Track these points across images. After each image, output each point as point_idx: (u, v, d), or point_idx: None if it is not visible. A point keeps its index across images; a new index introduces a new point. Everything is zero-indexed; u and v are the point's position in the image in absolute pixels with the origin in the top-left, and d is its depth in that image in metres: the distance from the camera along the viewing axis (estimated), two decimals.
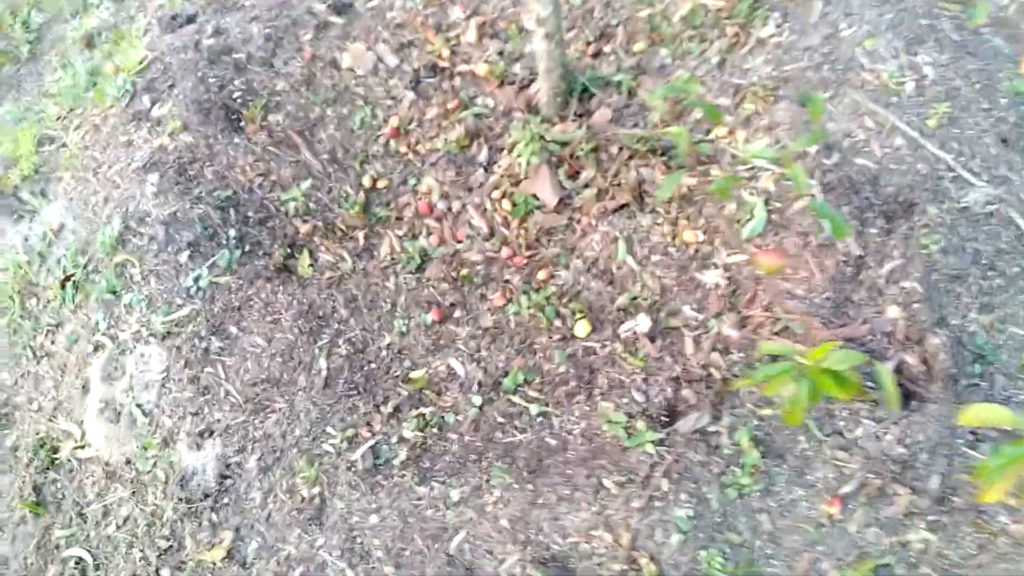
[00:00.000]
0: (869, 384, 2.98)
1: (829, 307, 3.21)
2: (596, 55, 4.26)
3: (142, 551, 3.19)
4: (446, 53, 4.38)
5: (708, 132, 3.86)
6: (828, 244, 3.31)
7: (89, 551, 3.25)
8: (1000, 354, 3.12)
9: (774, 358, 3.16)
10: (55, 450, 3.48)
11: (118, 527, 3.27)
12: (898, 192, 3.40)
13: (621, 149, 3.83)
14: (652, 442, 3.01)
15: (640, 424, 3.06)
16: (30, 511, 3.37)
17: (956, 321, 3.17)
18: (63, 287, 3.77)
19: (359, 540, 3.06)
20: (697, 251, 3.51)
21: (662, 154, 3.81)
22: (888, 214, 3.37)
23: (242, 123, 4.20)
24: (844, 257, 3.29)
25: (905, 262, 3.24)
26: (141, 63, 4.48)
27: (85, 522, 3.32)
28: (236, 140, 4.11)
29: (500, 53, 4.35)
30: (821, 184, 3.42)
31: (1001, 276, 3.25)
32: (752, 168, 3.65)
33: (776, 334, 3.19)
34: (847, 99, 3.68)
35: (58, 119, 4.58)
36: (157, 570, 3.13)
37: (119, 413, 3.40)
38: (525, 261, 3.65)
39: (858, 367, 2.06)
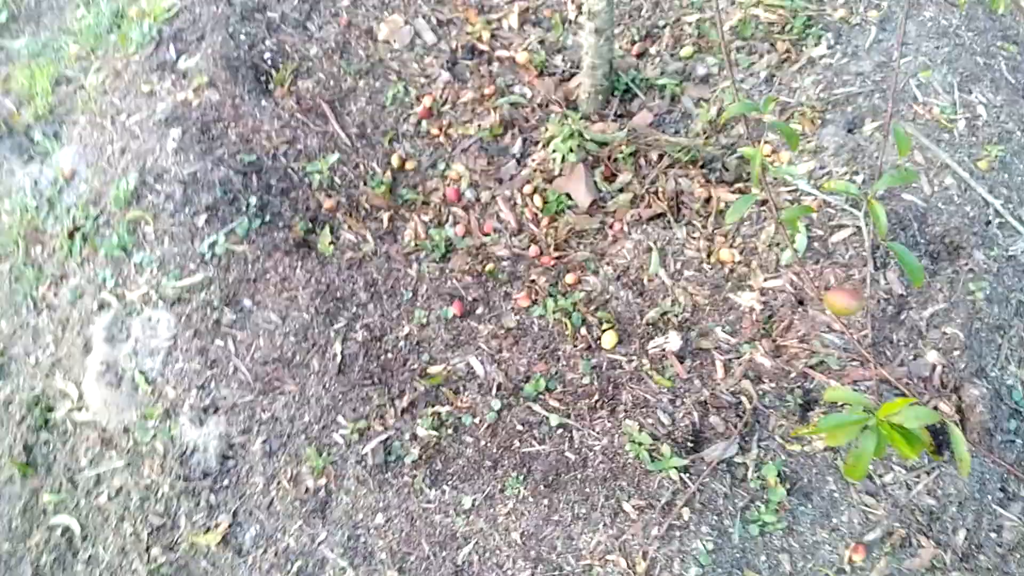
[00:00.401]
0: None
1: (867, 345, 3.03)
2: (641, 55, 4.03)
3: (133, 526, 2.95)
4: (486, 36, 4.14)
5: (752, 147, 3.65)
6: (871, 279, 3.12)
7: (78, 520, 3.01)
8: None
9: (803, 398, 2.99)
10: (50, 409, 3.22)
11: (110, 498, 3.02)
12: (945, 233, 3.21)
13: (661, 156, 3.62)
14: (676, 468, 2.82)
15: (665, 448, 2.86)
16: (19, 471, 3.11)
17: (995, 373, 2.99)
18: (71, 238, 3.50)
19: (363, 539, 2.85)
20: (733, 271, 3.31)
21: (703, 166, 3.60)
22: (933, 255, 3.19)
23: (271, 85, 3.93)
24: (886, 295, 3.11)
25: (948, 307, 3.06)
26: (170, 10, 4.18)
27: (76, 489, 3.07)
28: (263, 103, 3.84)
29: (541, 42, 4.11)
30: (866, 216, 3.23)
31: None
32: (795, 191, 3.46)
33: (811, 367, 3.01)
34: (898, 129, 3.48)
35: (77, 59, 4.27)
36: (148, 548, 2.90)
37: (120, 378, 3.15)
38: (553, 262, 3.43)
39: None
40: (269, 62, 3.98)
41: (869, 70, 3.66)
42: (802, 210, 2.06)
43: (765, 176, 3.44)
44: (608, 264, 3.42)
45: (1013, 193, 3.33)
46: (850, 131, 3.54)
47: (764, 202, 3.43)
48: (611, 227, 3.52)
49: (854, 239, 3.23)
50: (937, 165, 3.36)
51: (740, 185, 3.52)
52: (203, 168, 3.55)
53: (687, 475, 2.83)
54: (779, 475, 2.83)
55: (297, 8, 4.15)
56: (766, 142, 3.64)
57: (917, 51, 3.66)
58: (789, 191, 3.46)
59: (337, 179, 3.67)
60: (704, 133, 3.67)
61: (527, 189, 3.64)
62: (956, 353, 2.99)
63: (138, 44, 4.08)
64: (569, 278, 3.37)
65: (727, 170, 3.56)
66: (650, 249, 3.39)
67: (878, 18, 3.77)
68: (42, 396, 3.23)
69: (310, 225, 3.51)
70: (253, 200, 3.49)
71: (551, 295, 3.32)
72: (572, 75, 3.97)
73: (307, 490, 2.92)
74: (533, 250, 3.47)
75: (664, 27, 4.05)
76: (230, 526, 2.90)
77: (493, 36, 4.16)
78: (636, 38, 4.06)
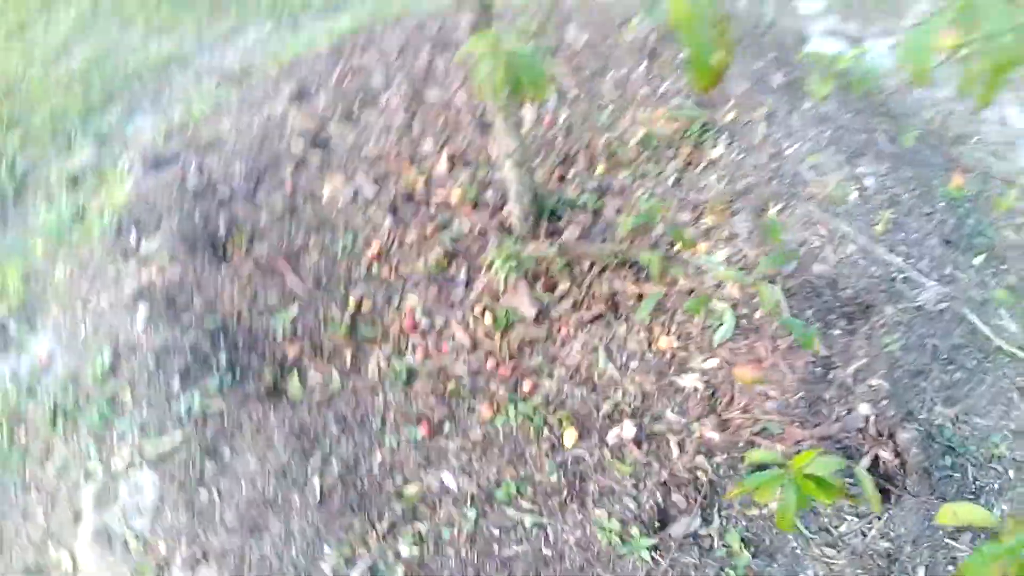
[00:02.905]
0: (851, 482, 2.91)
1: (803, 407, 3.17)
2: (562, 178, 4.30)
3: None
4: (421, 182, 4.38)
5: (672, 245, 3.88)
6: (796, 347, 3.29)
7: None
8: (968, 445, 3.08)
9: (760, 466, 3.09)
10: None
11: None
12: (856, 295, 3.41)
13: (592, 264, 3.82)
14: (647, 548, 2.88)
15: (634, 530, 2.93)
16: None
17: (924, 415, 3.14)
18: (53, 417, 3.57)
19: None
20: (673, 356, 3.46)
21: (631, 266, 3.81)
22: (849, 315, 3.38)
23: (228, 254, 4.12)
24: (812, 359, 3.27)
25: (869, 360, 3.23)
26: (127, 201, 4.40)
27: None
28: (223, 270, 4.01)
29: (471, 180, 4.36)
30: (784, 290, 3.43)
31: (960, 369, 3.25)
32: (721, 276, 3.65)
33: (756, 434, 3.13)
34: (799, 210, 3.74)
35: (45, 254, 4.44)
36: None
37: (112, 539, 3.17)
38: (510, 372, 3.56)
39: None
40: (224, 233, 4.18)
41: (764, 161, 3.95)
42: (701, 301, 2.24)
43: (666, 275, 3.66)
44: (560, 366, 3.55)
45: (912, 249, 3.57)
46: (758, 216, 3.78)
47: (691, 291, 3.62)
48: (558, 332, 3.68)
49: (776, 311, 3.41)
50: (838, 235, 3.59)
51: (667, 278, 3.72)
52: (173, 336, 3.68)
53: (657, 553, 2.89)
54: (742, 540, 2.90)
55: (244, 183, 4.39)
56: (692, 236, 3.85)
57: (804, 138, 3.97)
58: (713, 276, 3.66)
59: (299, 328, 3.81)
60: (628, 238, 3.89)
61: (477, 310, 3.81)
62: (884, 402, 3.13)
63: (100, 234, 4.27)
64: (526, 385, 3.50)
65: (653, 267, 3.77)
66: (596, 348, 3.54)
67: (764, 115, 4.10)
68: (34, 568, 3.22)
69: (278, 373, 3.63)
70: (222, 358, 3.61)
71: (512, 403, 3.44)
72: (503, 205, 4.20)
73: None
74: (490, 364, 3.61)
75: (578, 152, 4.33)
76: None
77: (427, 181, 4.41)
78: (555, 164, 4.33)
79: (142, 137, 5.07)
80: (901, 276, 3.47)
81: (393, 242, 4.16)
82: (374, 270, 4.06)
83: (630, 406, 3.35)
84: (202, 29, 6.01)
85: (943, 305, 3.39)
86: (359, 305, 3.91)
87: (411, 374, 3.61)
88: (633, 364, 3.49)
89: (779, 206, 3.76)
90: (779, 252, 2.17)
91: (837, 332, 3.33)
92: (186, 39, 5.87)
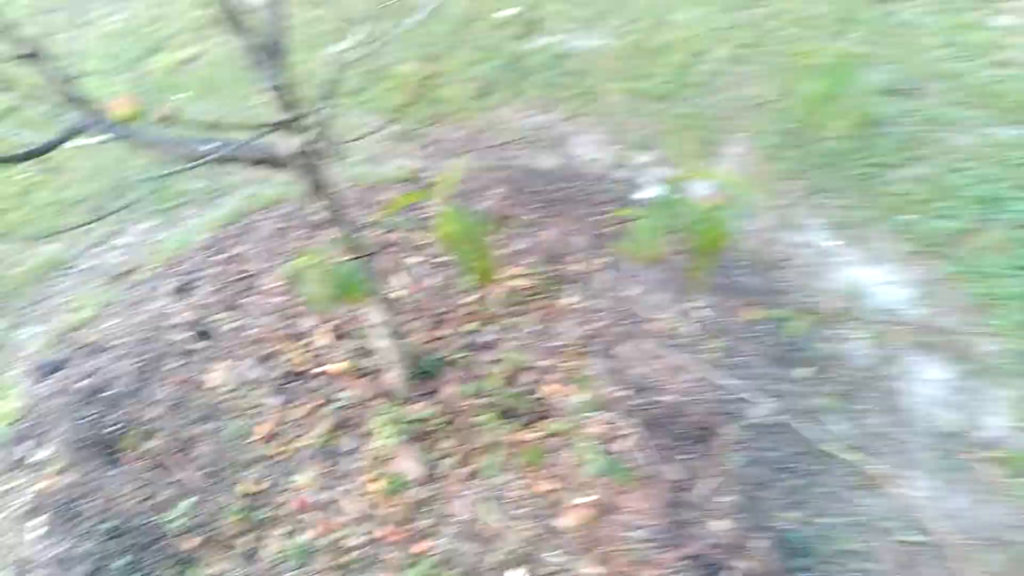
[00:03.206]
0: None
1: (669, 530, 3.43)
2: (435, 340, 4.57)
3: None
4: (305, 357, 4.58)
5: (533, 391, 4.16)
6: (653, 475, 3.57)
7: None
8: (818, 544, 3.38)
9: None
10: None
11: None
12: (700, 419, 3.75)
13: (471, 418, 4.06)
14: None
15: None
16: None
17: (773, 523, 3.44)
18: None
19: None
20: (553, 498, 3.69)
21: (504, 414, 4.06)
22: (697, 438, 3.70)
23: (120, 454, 4.17)
24: (669, 483, 3.55)
25: (719, 478, 3.53)
26: (15, 413, 4.42)
27: None
28: (116, 471, 4.07)
29: (353, 350, 4.58)
30: (638, 422, 3.74)
31: (800, 475, 3.59)
32: (584, 416, 3.94)
33: (631, 564, 3.35)
34: (643, 346, 4.10)
35: None
36: None
37: None
38: (403, 536, 3.71)
39: None
40: (115, 433, 4.24)
41: (611, 305, 4.33)
42: (535, 454, 2.50)
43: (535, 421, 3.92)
44: (450, 523, 3.73)
45: (743, 371, 3.95)
46: (609, 355, 4.11)
47: (558, 433, 3.89)
48: (445, 490, 3.86)
49: (641, 442, 3.70)
50: (679, 366, 3.95)
51: (538, 423, 3.98)
52: (70, 546, 3.69)
53: None
54: None
55: (132, 381, 4.48)
56: (555, 381, 4.15)
57: (641, 280, 4.37)
58: (579, 417, 3.94)
59: (197, 519, 3.87)
60: (500, 388, 4.16)
61: (367, 477, 3.96)
62: (738, 516, 3.42)
63: None
64: (420, 547, 3.65)
65: (524, 414, 4.03)
66: (481, 500, 3.73)
67: (605, 264, 4.50)
68: None
69: (179, 568, 3.66)
70: (121, 562, 3.64)
71: (407, 567, 3.57)
72: (384, 371, 4.43)
73: None
74: (384, 531, 3.75)
75: (448, 312, 4.63)
76: None
77: (312, 356, 4.61)
78: (429, 326, 4.60)
79: (30, 347, 5.11)
80: (735, 397, 3.83)
81: (281, 421, 4.31)
82: (265, 451, 4.18)
83: (518, 552, 3.53)
84: (84, 233, 6.14)
85: (777, 418, 3.75)
86: (252, 489, 4.01)
87: (308, 552, 3.71)
88: (518, 511, 3.69)
89: (625, 344, 4.11)
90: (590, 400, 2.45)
91: (691, 455, 3.64)
92: (69, 244, 5.98)
